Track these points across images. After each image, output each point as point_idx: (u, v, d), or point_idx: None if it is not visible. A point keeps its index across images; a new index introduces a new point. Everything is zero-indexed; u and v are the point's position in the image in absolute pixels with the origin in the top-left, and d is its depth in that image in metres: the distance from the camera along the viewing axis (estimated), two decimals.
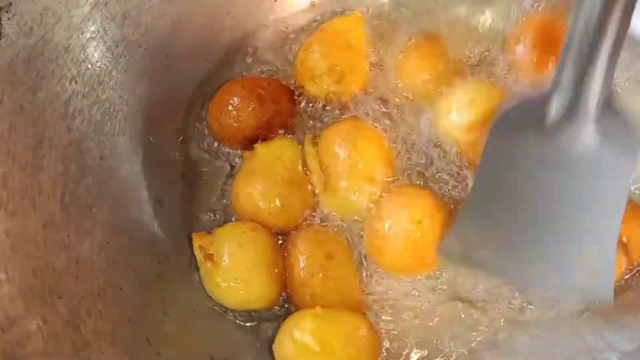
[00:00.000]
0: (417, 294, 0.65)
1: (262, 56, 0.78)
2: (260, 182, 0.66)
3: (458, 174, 0.68)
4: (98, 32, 0.62)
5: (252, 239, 0.63)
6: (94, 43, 0.62)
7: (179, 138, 0.73)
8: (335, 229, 0.67)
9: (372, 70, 0.73)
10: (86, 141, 0.61)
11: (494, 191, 0.61)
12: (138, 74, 0.67)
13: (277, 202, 0.65)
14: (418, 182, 0.68)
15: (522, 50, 0.70)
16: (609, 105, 0.55)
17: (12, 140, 0.53)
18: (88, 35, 0.61)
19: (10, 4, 0.53)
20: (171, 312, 0.64)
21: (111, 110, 0.65)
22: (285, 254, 0.65)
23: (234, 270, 0.62)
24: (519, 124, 0.59)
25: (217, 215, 0.71)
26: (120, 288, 0.60)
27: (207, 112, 0.73)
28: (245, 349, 0.65)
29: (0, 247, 0.50)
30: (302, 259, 0.63)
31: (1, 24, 0.53)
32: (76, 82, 0.60)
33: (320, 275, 0.62)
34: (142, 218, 0.67)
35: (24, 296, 0.50)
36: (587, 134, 0.56)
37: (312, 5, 0.80)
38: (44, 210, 0.55)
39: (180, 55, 0.72)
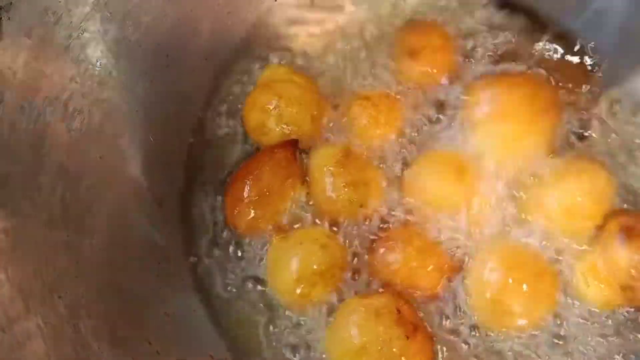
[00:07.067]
0: None
1: (263, 55, 0.78)
2: None
3: None
4: (98, 32, 0.62)
5: None
6: (94, 43, 0.62)
7: (179, 138, 0.74)
8: None
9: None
10: (86, 141, 0.61)
11: None
12: (138, 74, 0.67)
13: None
14: None
15: None
16: None
17: (12, 140, 0.53)
18: (88, 35, 0.61)
19: (11, 3, 0.53)
20: (171, 312, 0.64)
21: (111, 110, 0.64)
22: None
23: None
24: None
25: (219, 215, 0.71)
26: (120, 288, 0.60)
27: (207, 112, 0.74)
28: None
29: (0, 247, 0.50)
30: None
31: (1, 24, 0.53)
32: (76, 82, 0.60)
33: None
34: (142, 218, 0.67)
35: (24, 296, 0.50)
36: None
37: (312, 4, 0.80)
38: (44, 210, 0.55)
39: (180, 55, 0.72)
